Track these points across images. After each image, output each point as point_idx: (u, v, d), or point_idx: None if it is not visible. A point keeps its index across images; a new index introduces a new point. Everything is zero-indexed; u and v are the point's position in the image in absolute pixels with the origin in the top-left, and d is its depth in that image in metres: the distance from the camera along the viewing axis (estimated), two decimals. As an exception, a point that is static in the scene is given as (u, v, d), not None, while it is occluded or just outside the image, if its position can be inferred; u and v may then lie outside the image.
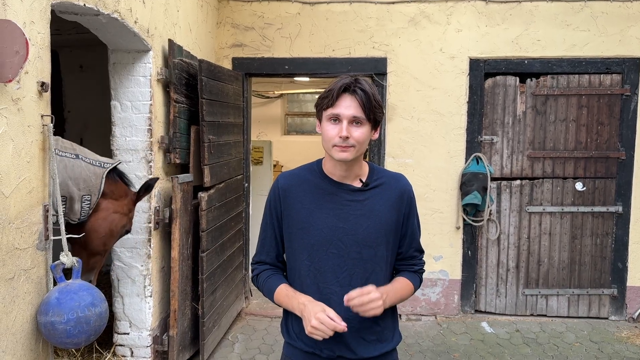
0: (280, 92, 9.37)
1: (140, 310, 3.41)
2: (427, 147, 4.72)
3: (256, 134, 9.28)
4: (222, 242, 4.12)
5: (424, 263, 1.87)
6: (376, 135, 1.69)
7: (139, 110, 3.35)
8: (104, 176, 2.54)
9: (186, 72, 3.72)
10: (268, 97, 9.64)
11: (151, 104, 3.36)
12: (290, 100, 10.44)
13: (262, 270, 1.79)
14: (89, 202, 2.54)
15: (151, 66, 3.35)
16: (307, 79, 8.44)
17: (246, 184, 4.89)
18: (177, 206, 3.45)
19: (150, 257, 3.40)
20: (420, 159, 4.72)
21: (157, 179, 2.94)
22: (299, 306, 1.62)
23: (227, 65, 4.76)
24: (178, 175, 3.46)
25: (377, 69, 4.70)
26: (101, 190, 2.55)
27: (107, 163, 2.63)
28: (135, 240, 3.38)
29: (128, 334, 3.44)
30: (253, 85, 6.32)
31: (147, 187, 2.86)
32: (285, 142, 9.68)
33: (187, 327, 3.70)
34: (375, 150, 4.75)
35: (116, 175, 2.78)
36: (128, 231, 2.92)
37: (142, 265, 3.40)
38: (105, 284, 3.61)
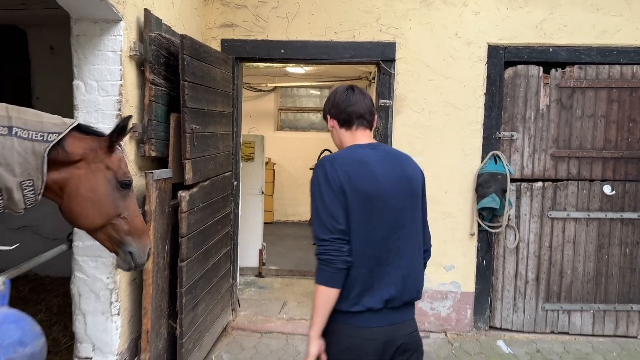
0: (274, 84, 8.82)
1: (105, 331, 2.86)
2: (439, 144, 4.20)
3: (247, 130, 8.73)
4: (206, 249, 3.57)
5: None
6: (331, 123, 2.04)
7: (106, 92, 2.80)
8: (47, 154, 1.96)
9: (165, 50, 3.18)
10: (260, 90, 9.09)
11: (121, 85, 2.81)
12: (284, 94, 9.90)
13: None
14: (31, 188, 1.96)
15: (122, 39, 2.80)
16: (302, 70, 7.93)
17: (235, 182, 4.35)
18: (151, 207, 2.90)
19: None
20: (432, 156, 4.20)
21: (130, 117, 2.17)
22: None
23: (216, 48, 4.21)
24: (153, 171, 2.90)
25: (384, 54, 4.18)
26: (44, 172, 1.98)
27: (52, 133, 2.02)
28: (100, 247, 2.82)
29: (91, 358, 2.89)
30: (244, 77, 5.76)
31: (122, 129, 2.13)
32: (278, 139, 9.14)
33: (163, 349, 3.15)
34: (380, 146, 4.23)
35: (79, 132, 2.17)
36: (125, 183, 2.21)
37: (108, 278, 2.85)
38: (62, 300, 3.05)
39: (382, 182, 1.85)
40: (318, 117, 9.67)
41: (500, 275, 4.29)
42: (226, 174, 4.05)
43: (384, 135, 4.22)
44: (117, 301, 2.87)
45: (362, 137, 1.99)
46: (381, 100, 4.21)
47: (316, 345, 1.84)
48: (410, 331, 1.90)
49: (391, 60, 4.18)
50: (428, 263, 2.06)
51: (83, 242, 2.84)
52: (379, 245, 1.83)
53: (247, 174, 5.81)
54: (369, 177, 1.84)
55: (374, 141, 2.00)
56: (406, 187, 1.90)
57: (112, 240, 2.30)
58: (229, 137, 4.09)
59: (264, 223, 6.20)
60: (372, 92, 8.60)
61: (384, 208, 1.84)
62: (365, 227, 1.82)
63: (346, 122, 1.99)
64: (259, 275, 5.79)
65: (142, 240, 2.33)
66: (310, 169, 8.19)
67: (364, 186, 1.82)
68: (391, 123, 4.21)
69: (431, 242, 2.05)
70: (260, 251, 5.83)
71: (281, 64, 5.25)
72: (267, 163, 8.49)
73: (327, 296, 1.80)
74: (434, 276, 4.24)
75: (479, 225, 4.19)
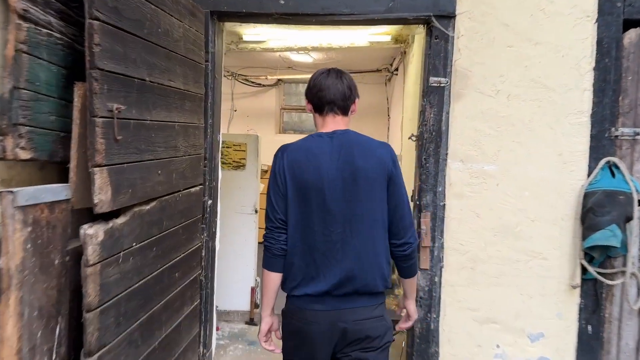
0: (275, 77, 7.40)
1: None
2: (521, 145, 2.73)
3: (244, 132, 7.31)
4: (148, 318, 2.11)
5: None
6: (308, 106, 2.11)
7: None
8: None
9: (63, -36, 1.74)
10: (259, 85, 7.68)
11: (-57, 12, 1.37)
12: (287, 92, 8.53)
13: None
14: None
15: None
16: (310, 59, 6.49)
17: (209, 201, 2.89)
18: (11, 262, 1.44)
19: None
20: (510, 164, 2.74)
21: None
22: None
23: (181, -3, 2.77)
24: (14, 190, 1.45)
25: (438, 7, 2.73)
26: None
27: None
28: None
29: None
30: (238, 69, 4.33)
31: None
32: (281, 143, 7.60)
33: None
34: (431, 149, 2.76)
35: None
36: None
37: None
38: None
39: (326, 175, 1.88)
40: (327, 117, 8.26)
41: (614, 349, 2.80)
42: (192, 189, 2.60)
43: (436, 131, 2.76)
44: None
45: (332, 123, 2.01)
46: (432, 79, 2.76)
47: (266, 323, 2.04)
48: (357, 318, 1.89)
49: (449, 17, 2.73)
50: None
51: None
52: (320, 236, 1.89)
53: (236, 186, 4.37)
54: (313, 169, 1.89)
55: (342, 128, 1.99)
56: (353, 181, 1.88)
57: None
58: (197, 133, 2.65)
59: (259, 244, 4.75)
60: (392, 87, 7.16)
61: (325, 201, 1.88)
62: (305, 218, 1.89)
63: (318, 107, 2.03)
64: (250, 322, 4.33)
65: None
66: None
67: (306, 178, 1.89)
68: (447, 113, 2.75)
69: (412, 233, 1.98)
70: (253, 290, 4.37)
71: (279, 34, 3.81)
72: (266, 172, 7.06)
73: (270, 278, 1.98)
74: (511, 349, 2.76)
75: (583, 271, 2.72)
